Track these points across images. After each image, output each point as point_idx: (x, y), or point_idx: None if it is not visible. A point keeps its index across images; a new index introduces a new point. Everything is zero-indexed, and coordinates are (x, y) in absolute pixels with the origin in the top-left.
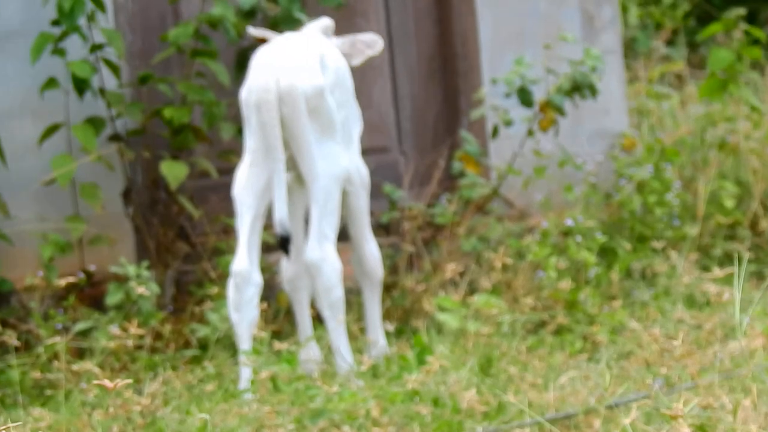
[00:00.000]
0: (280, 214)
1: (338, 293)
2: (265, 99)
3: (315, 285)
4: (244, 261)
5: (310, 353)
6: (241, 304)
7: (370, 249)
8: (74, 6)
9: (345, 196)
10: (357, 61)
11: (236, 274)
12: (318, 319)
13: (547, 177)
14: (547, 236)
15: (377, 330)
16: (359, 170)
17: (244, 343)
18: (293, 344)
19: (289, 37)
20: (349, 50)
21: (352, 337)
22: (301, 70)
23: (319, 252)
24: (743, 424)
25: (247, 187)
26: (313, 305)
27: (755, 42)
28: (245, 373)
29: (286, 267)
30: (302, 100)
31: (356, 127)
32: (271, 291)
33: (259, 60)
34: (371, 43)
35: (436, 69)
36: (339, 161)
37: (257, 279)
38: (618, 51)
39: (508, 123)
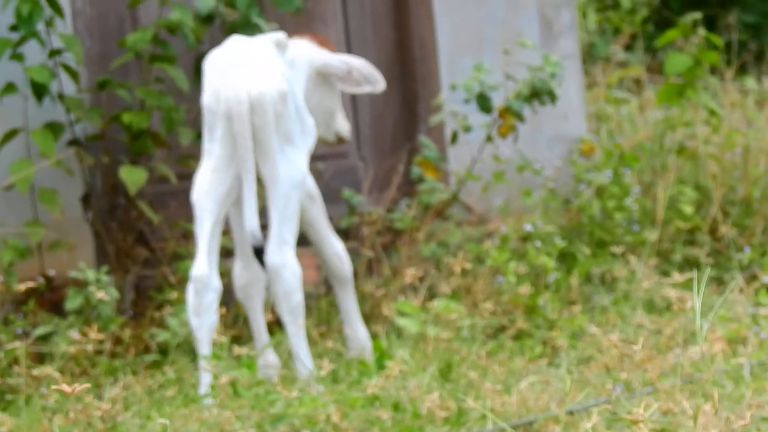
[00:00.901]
0: (251, 224)
1: (298, 298)
2: (237, 111)
3: (275, 290)
4: (204, 266)
5: (267, 359)
6: (201, 309)
7: (334, 249)
8: (32, 11)
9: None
10: (350, 89)
11: (196, 279)
12: (278, 323)
13: (506, 182)
14: (506, 241)
15: (356, 324)
16: (306, 179)
17: (204, 348)
18: (252, 349)
19: (243, 41)
20: (344, 75)
21: (311, 342)
22: (268, 77)
23: (279, 257)
24: (704, 429)
25: (209, 192)
26: (271, 310)
27: (713, 47)
28: (205, 378)
29: (239, 274)
30: (270, 108)
31: (307, 140)
32: (230, 296)
33: (218, 64)
34: (372, 79)
35: (394, 74)
36: (299, 167)
37: (216, 284)
38: (576, 56)
39: (467, 129)
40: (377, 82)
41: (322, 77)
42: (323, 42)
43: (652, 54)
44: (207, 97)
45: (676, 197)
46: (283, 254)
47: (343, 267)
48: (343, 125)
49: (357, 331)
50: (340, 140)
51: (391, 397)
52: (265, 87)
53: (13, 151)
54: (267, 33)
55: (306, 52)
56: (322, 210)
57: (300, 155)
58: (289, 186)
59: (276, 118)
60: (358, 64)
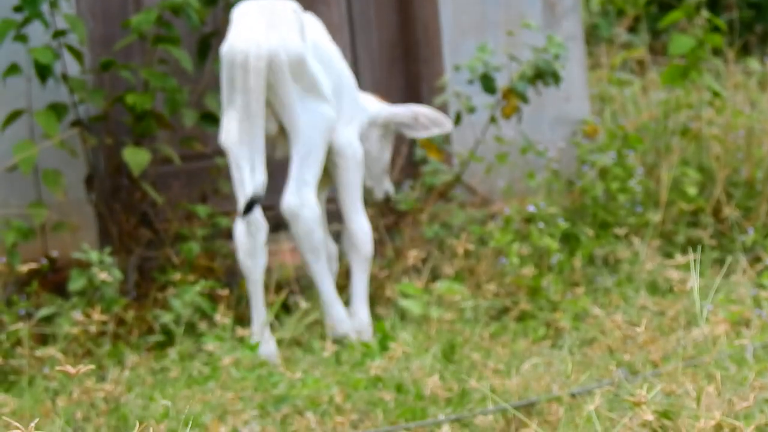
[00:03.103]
0: (260, 179)
1: (319, 236)
2: (255, 66)
3: (295, 231)
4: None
5: (270, 346)
6: (256, 249)
7: (360, 224)
8: None
9: (335, 169)
10: (418, 134)
11: (250, 220)
12: (285, 307)
13: (509, 164)
14: (509, 223)
15: (360, 306)
16: (352, 145)
17: (258, 288)
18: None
19: (271, 1)
20: (411, 122)
21: (312, 326)
22: (285, 35)
23: (297, 198)
24: (707, 410)
25: (241, 141)
26: (275, 291)
27: (716, 28)
28: (259, 318)
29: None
30: (285, 65)
31: (355, 114)
32: (232, 277)
33: (243, 19)
34: (438, 121)
35: (397, 56)
36: (322, 113)
37: (266, 224)
38: (579, 37)
39: (471, 110)
40: (444, 124)
41: (384, 132)
42: (382, 98)
43: (655, 35)
44: (226, 48)
45: (679, 179)
46: (301, 195)
47: (365, 243)
48: (390, 185)
49: (358, 312)
50: (387, 199)
51: (394, 379)
52: (283, 45)
53: (16, 133)
54: None
55: (375, 104)
56: (360, 180)
57: (322, 103)
58: (311, 131)
59: (293, 75)
60: (422, 110)
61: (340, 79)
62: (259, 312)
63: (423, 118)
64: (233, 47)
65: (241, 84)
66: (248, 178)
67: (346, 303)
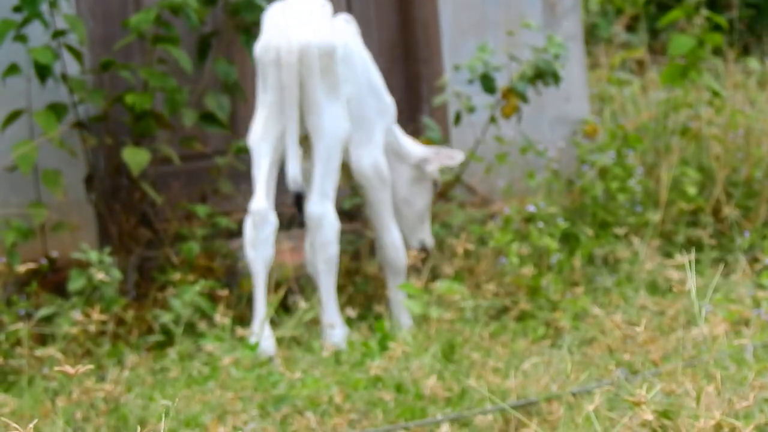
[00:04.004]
0: (293, 171)
1: (334, 250)
2: (287, 60)
3: (313, 239)
4: (263, 201)
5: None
6: (258, 241)
7: (391, 239)
8: None
9: (361, 189)
10: (431, 167)
11: (255, 213)
12: (284, 307)
13: (509, 163)
14: (509, 222)
15: (400, 315)
16: (377, 165)
17: (260, 281)
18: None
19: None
20: (434, 157)
21: (309, 325)
22: (318, 29)
23: (320, 207)
24: (707, 410)
25: (264, 137)
26: (275, 289)
27: (716, 28)
28: (260, 311)
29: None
30: (317, 58)
31: (379, 122)
32: (233, 277)
33: (274, 18)
34: (452, 155)
35: (397, 56)
36: (342, 122)
37: (274, 219)
38: (579, 37)
39: (471, 110)
40: (455, 157)
41: (418, 176)
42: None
43: (654, 35)
44: (259, 48)
45: (679, 178)
46: (324, 206)
47: (398, 257)
48: (429, 236)
49: (403, 318)
50: (422, 250)
51: (393, 379)
52: (314, 38)
53: (16, 133)
54: None
55: (409, 144)
56: (389, 197)
57: (343, 110)
58: (332, 140)
59: (322, 69)
60: (445, 150)
61: (361, 88)
62: (260, 306)
63: (442, 152)
64: (265, 45)
65: (273, 80)
66: (263, 174)
67: (343, 304)
